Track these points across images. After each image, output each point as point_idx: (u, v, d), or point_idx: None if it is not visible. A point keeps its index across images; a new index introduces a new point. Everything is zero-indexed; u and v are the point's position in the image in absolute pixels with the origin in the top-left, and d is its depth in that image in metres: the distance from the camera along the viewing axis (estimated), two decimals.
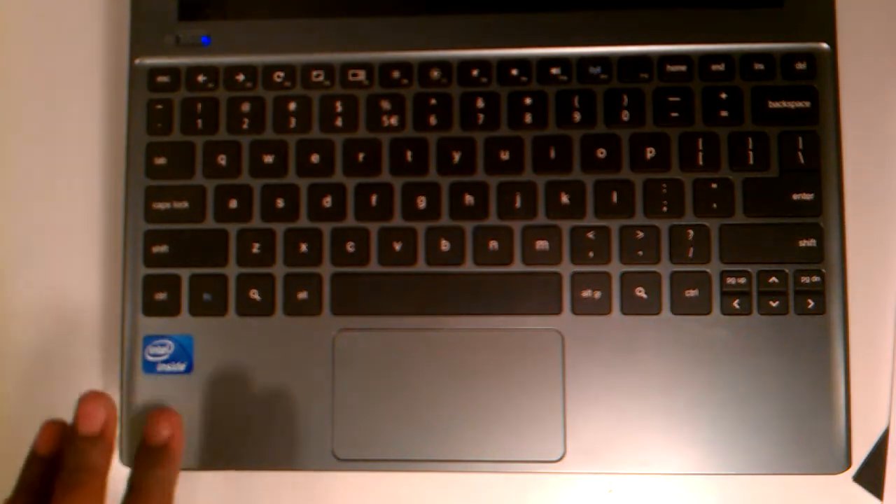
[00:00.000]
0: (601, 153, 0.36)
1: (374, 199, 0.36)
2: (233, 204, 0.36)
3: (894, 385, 0.36)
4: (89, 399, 0.31)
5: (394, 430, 0.35)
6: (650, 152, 0.36)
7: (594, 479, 0.36)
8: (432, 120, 0.36)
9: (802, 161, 0.35)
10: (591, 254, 0.35)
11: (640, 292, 0.35)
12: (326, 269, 0.36)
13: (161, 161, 0.37)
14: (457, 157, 0.36)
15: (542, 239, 0.35)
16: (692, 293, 0.35)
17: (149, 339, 0.36)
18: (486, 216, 0.36)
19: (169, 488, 0.31)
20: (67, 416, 0.31)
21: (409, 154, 0.36)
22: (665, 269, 0.35)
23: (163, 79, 0.37)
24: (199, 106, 0.37)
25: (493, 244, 0.36)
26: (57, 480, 0.29)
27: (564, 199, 0.36)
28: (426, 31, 0.37)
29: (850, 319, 0.35)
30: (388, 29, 0.37)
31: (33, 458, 0.31)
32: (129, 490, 0.30)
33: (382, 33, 0.37)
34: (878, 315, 0.37)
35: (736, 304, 0.35)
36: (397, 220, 0.36)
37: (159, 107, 0.37)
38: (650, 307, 0.35)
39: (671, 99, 0.36)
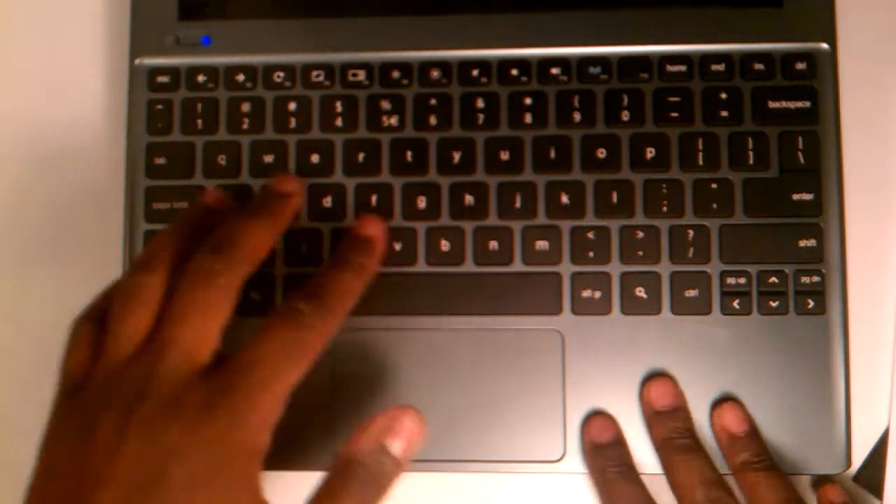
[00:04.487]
0: (601, 153, 0.36)
1: (374, 199, 0.36)
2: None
3: (894, 385, 0.36)
4: (287, 177, 0.33)
5: None
6: (650, 152, 0.36)
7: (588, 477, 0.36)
8: (432, 120, 0.36)
9: (802, 161, 0.35)
10: (591, 254, 0.35)
11: (640, 292, 0.35)
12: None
13: (161, 161, 0.37)
14: (457, 157, 0.36)
15: (542, 239, 0.35)
16: (692, 293, 0.35)
17: None
18: (486, 216, 0.36)
19: (364, 274, 0.32)
20: None
21: (409, 154, 0.36)
22: (665, 269, 0.35)
23: (163, 79, 0.37)
24: (199, 106, 0.37)
25: (493, 244, 0.36)
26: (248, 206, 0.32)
27: (564, 199, 0.36)
28: (426, 31, 0.37)
29: (850, 319, 0.35)
30: (388, 29, 0.37)
31: (196, 205, 0.33)
32: (331, 260, 0.32)
33: (382, 33, 0.37)
34: (878, 315, 0.37)
35: (736, 304, 0.35)
36: (397, 220, 0.36)
37: (159, 107, 0.37)
38: (650, 307, 0.35)
39: (671, 99, 0.36)
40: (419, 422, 0.29)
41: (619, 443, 0.34)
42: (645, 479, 0.34)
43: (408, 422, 0.29)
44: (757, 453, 0.33)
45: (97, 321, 0.30)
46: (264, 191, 0.33)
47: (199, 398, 0.27)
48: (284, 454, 0.35)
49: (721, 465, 0.34)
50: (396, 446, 0.29)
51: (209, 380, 0.27)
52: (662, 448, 0.33)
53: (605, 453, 0.34)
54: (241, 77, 0.37)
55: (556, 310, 0.35)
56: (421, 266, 0.36)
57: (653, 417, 0.34)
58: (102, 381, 0.28)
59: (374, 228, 0.33)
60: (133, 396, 0.26)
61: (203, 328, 0.28)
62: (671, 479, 0.33)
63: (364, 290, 0.32)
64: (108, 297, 0.30)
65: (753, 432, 0.34)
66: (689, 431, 0.34)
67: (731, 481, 0.33)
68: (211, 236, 0.30)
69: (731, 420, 0.33)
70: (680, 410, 0.34)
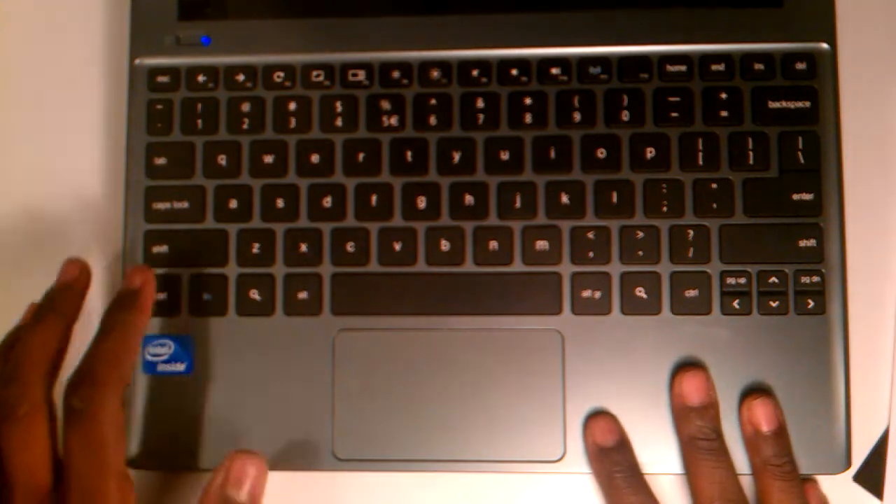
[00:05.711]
0: (601, 153, 0.36)
1: (374, 199, 0.36)
2: (233, 204, 0.36)
3: (894, 385, 0.36)
4: (69, 261, 0.35)
5: (394, 430, 0.35)
6: (650, 152, 0.36)
7: (593, 479, 0.36)
8: (432, 120, 0.36)
9: (802, 161, 0.35)
10: (591, 254, 0.35)
11: (640, 292, 0.35)
12: (326, 269, 0.36)
13: (161, 161, 0.37)
14: (457, 157, 0.36)
15: (542, 239, 0.35)
16: (692, 293, 0.35)
17: (149, 339, 0.36)
18: (486, 216, 0.36)
19: (133, 332, 0.33)
20: None
21: (409, 154, 0.36)
22: (665, 269, 0.35)
23: (163, 79, 0.37)
24: (199, 106, 0.37)
25: (493, 244, 0.36)
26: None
27: (564, 199, 0.36)
28: (426, 31, 0.37)
29: (850, 319, 0.35)
30: (388, 29, 0.37)
31: (13, 330, 0.35)
32: (97, 330, 0.33)
33: (382, 33, 0.37)
34: (878, 315, 0.37)
35: (736, 304, 0.35)
36: (397, 220, 0.36)
37: (159, 107, 0.37)
38: (650, 307, 0.35)
39: (671, 99, 0.36)
40: (258, 462, 0.32)
41: (624, 445, 0.34)
42: (647, 478, 0.34)
43: (249, 467, 0.32)
44: (778, 454, 0.33)
45: None
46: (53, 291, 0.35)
47: None
48: (284, 455, 0.35)
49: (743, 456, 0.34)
50: (243, 495, 0.31)
51: (56, 497, 0.30)
52: (688, 446, 0.33)
53: (610, 456, 0.33)
54: (241, 77, 0.37)
55: (556, 310, 0.35)
56: (421, 266, 0.36)
57: (682, 412, 0.34)
58: None
59: (137, 278, 0.34)
60: None
61: (29, 460, 0.30)
62: (692, 481, 0.33)
63: (139, 339, 0.34)
64: None
65: (780, 431, 0.33)
66: (717, 432, 0.33)
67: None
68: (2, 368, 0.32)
69: (759, 416, 0.33)
70: (710, 408, 0.33)
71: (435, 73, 0.37)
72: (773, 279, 0.35)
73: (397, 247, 0.36)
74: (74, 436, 0.31)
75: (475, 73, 0.37)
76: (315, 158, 0.37)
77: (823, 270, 0.35)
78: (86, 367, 0.32)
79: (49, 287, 0.35)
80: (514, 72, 0.36)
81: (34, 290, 0.39)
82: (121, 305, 0.34)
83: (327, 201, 0.36)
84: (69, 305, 0.34)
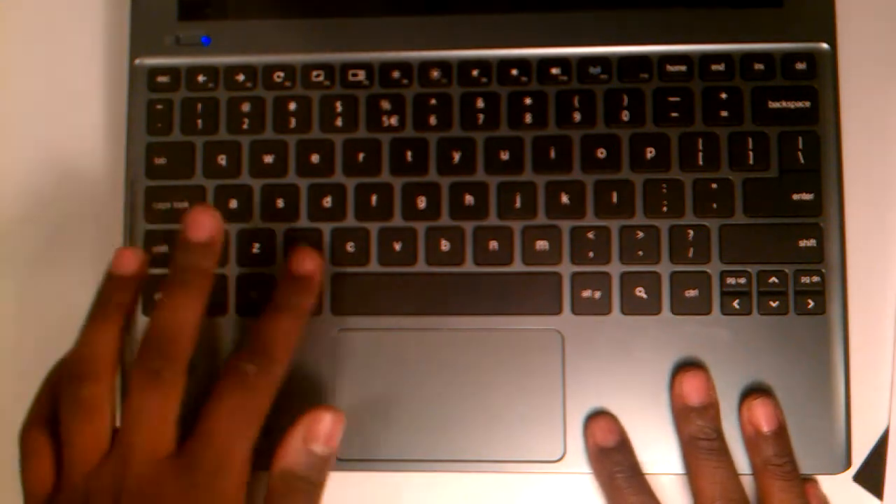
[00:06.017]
0: (601, 153, 0.36)
1: (374, 199, 0.36)
2: (233, 204, 0.36)
3: (894, 385, 0.36)
4: (198, 209, 0.32)
5: (394, 430, 0.35)
6: (650, 152, 0.36)
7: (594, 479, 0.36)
8: (432, 120, 0.36)
9: (802, 161, 0.35)
10: (591, 254, 0.35)
11: (640, 292, 0.35)
12: (326, 269, 0.36)
13: (161, 161, 0.37)
14: (457, 157, 0.36)
15: (542, 239, 0.35)
16: (692, 293, 0.35)
17: None
18: (486, 216, 0.36)
19: (305, 317, 0.33)
20: None
21: (409, 154, 0.36)
22: (665, 269, 0.35)
23: (163, 79, 0.37)
24: (199, 106, 0.37)
25: (493, 244, 0.36)
26: (167, 279, 0.32)
27: (564, 199, 0.36)
28: (426, 31, 0.37)
29: (850, 319, 0.35)
30: (388, 29, 0.37)
31: (109, 278, 0.33)
32: (268, 307, 0.33)
33: (382, 33, 0.37)
34: (878, 315, 0.37)
35: (736, 304, 0.35)
36: (397, 220, 0.36)
37: (159, 107, 0.37)
38: (650, 307, 0.35)
39: (671, 99, 0.36)
40: (335, 416, 0.31)
41: (624, 445, 0.34)
42: (648, 478, 0.34)
43: (326, 421, 0.31)
44: (778, 454, 0.33)
45: (47, 429, 0.31)
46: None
47: (171, 487, 0.28)
48: None
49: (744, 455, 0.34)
50: (322, 448, 0.31)
51: (176, 466, 0.29)
52: (688, 446, 0.33)
53: (611, 457, 0.34)
54: (241, 77, 0.37)
55: (556, 310, 0.35)
56: (421, 266, 0.36)
57: (682, 412, 0.34)
58: (72, 494, 0.29)
59: (310, 263, 0.34)
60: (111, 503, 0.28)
61: (160, 425, 0.30)
62: (693, 482, 0.33)
63: (303, 329, 0.33)
64: (48, 398, 0.32)
65: (780, 431, 0.33)
66: (718, 431, 0.33)
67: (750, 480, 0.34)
68: (148, 332, 0.31)
69: (759, 416, 0.33)
70: (711, 408, 0.33)
71: (435, 73, 0.37)
72: (773, 279, 0.35)
73: (397, 247, 0.36)
74: (232, 398, 0.30)
75: (475, 73, 0.37)
76: (315, 158, 0.37)
77: (823, 270, 0.35)
78: (262, 340, 0.32)
79: (180, 254, 0.32)
80: (514, 72, 0.37)
81: (32, 290, 0.39)
82: (296, 289, 0.33)
83: (327, 201, 0.36)
84: (209, 267, 0.32)
